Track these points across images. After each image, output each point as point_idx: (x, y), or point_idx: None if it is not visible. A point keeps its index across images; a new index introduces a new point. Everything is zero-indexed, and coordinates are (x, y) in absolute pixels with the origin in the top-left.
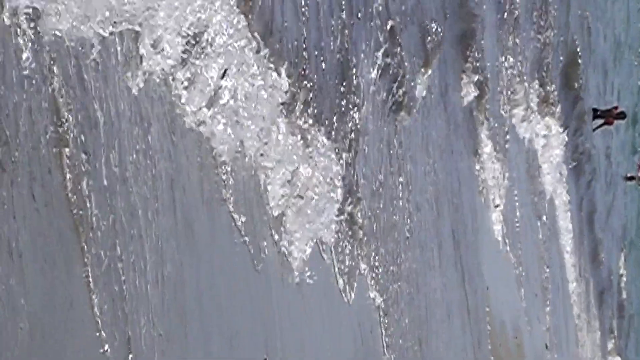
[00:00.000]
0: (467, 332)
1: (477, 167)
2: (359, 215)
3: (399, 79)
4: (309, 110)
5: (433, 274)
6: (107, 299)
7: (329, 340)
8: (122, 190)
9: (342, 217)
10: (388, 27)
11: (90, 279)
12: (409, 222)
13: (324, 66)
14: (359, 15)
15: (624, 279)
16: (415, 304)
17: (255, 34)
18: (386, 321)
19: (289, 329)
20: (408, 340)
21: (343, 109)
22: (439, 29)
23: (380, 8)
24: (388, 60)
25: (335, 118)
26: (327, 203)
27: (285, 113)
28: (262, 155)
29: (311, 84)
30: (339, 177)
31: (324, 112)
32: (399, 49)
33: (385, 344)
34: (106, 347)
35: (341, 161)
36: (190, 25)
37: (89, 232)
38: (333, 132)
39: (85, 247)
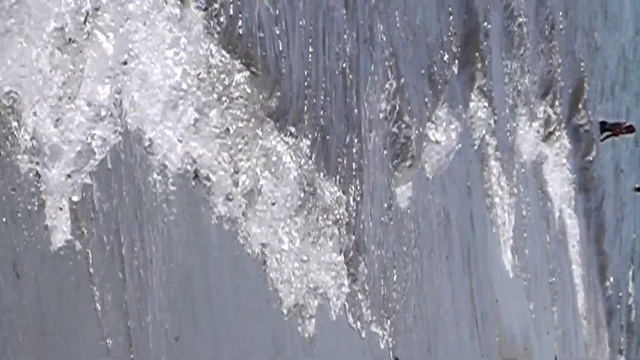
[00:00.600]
0: (476, 344)
1: (485, 181)
2: (365, 234)
3: (405, 121)
4: (314, 155)
5: (442, 286)
6: (110, 288)
7: (338, 345)
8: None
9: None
10: (393, 62)
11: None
12: (417, 233)
13: (329, 110)
14: (365, 41)
15: (632, 296)
16: (423, 315)
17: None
18: (394, 333)
19: (297, 332)
20: (416, 351)
21: (347, 150)
22: (446, 60)
23: (384, 37)
24: (394, 102)
25: (340, 160)
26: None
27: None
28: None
29: (317, 130)
30: (343, 208)
31: (330, 156)
32: (404, 86)
33: (393, 355)
34: (108, 340)
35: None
36: None
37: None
38: (338, 175)
39: (86, 231)
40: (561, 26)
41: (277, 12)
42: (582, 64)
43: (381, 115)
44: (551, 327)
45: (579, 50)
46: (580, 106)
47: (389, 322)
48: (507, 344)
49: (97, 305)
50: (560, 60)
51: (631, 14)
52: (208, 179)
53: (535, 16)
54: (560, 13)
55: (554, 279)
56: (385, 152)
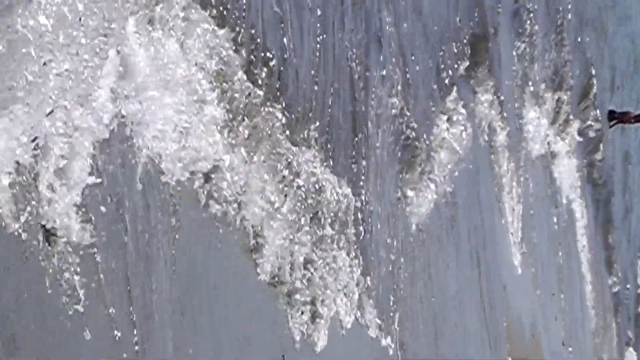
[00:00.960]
0: (484, 329)
1: (494, 170)
2: (373, 238)
3: (413, 117)
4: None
5: (450, 272)
6: (112, 255)
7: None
8: None
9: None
10: (400, 55)
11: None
12: (425, 218)
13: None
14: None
15: None
16: (431, 301)
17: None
18: (401, 317)
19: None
20: (423, 336)
21: (355, 148)
22: (455, 52)
23: (392, 29)
24: (402, 97)
25: (348, 158)
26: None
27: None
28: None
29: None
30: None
31: (339, 156)
32: (411, 80)
33: (399, 341)
34: (111, 310)
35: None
36: None
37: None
38: (346, 174)
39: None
40: (570, 16)
41: (284, 10)
42: (592, 55)
43: (390, 111)
44: (559, 314)
45: (589, 42)
46: (589, 97)
47: (397, 316)
48: (514, 329)
49: (101, 275)
50: (570, 52)
51: None
52: (216, 189)
53: (545, 7)
54: (570, 4)
55: (561, 267)
56: (394, 148)
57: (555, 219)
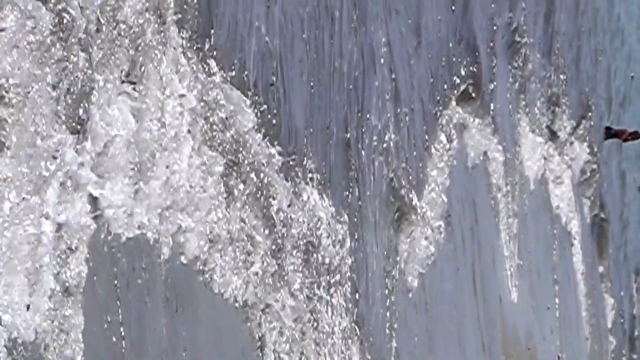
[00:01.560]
0: (479, 341)
1: (492, 189)
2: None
3: (406, 151)
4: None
5: (445, 283)
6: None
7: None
8: None
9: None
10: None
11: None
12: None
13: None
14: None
15: (637, 304)
16: (426, 312)
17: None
18: (396, 327)
19: None
20: (418, 347)
21: (350, 191)
22: (448, 79)
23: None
24: (395, 130)
25: (344, 202)
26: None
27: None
28: None
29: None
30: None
31: (335, 200)
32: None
33: (395, 352)
34: (100, 291)
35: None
36: None
37: None
38: (342, 216)
39: None
40: (565, 37)
41: (277, 44)
42: (589, 76)
43: (384, 144)
44: (554, 328)
45: (586, 63)
46: (587, 118)
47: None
48: (509, 341)
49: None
50: (566, 74)
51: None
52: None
53: (541, 30)
54: (565, 25)
55: (557, 283)
56: (388, 180)
57: (551, 234)
